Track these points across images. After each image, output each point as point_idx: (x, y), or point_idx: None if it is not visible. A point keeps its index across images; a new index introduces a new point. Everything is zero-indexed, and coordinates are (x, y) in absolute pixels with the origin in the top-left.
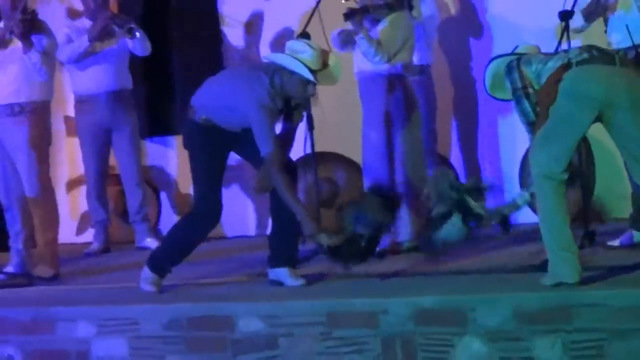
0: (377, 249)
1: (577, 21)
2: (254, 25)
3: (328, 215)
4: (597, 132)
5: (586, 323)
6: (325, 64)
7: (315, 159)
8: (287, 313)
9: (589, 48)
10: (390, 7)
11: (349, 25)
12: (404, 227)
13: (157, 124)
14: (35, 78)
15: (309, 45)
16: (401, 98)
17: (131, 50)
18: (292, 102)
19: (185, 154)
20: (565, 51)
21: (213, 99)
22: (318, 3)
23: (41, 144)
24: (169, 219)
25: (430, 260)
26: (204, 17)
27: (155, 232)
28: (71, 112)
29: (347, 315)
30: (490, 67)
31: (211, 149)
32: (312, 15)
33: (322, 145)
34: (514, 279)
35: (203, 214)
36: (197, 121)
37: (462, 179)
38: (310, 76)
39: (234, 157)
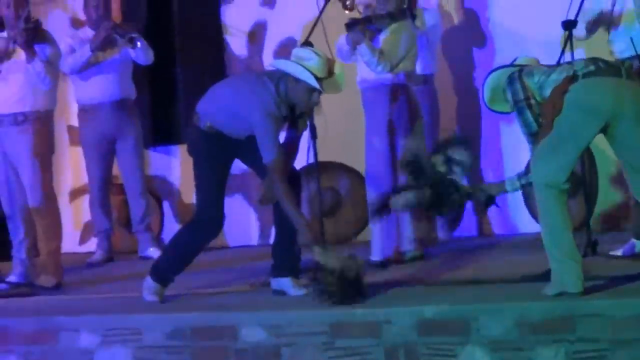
0: (381, 259)
1: (580, 31)
2: (257, 34)
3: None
4: (600, 142)
5: (589, 333)
6: (330, 72)
7: (318, 168)
8: (290, 323)
9: (595, 60)
10: (392, 17)
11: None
12: (407, 236)
13: (160, 134)
14: (38, 87)
15: (316, 52)
16: (404, 107)
17: (134, 59)
18: (296, 109)
19: (188, 163)
20: (569, 63)
21: (218, 106)
22: (321, 13)
23: (44, 153)
24: (172, 229)
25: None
26: (208, 26)
27: (158, 241)
28: (74, 121)
29: (350, 325)
30: (489, 80)
31: (215, 156)
32: (315, 24)
33: (325, 154)
34: (516, 288)
35: (205, 221)
36: (202, 128)
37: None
38: (316, 84)
39: (236, 166)
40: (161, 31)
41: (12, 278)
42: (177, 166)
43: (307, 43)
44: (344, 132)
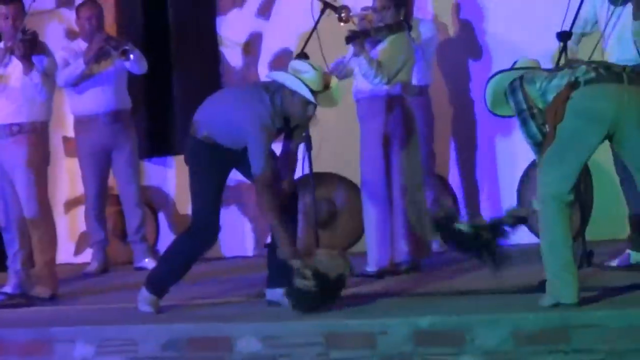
0: (376, 269)
1: (575, 42)
2: (252, 46)
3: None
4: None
5: (584, 344)
6: (326, 86)
7: (313, 179)
8: (285, 334)
9: (597, 67)
10: (390, 29)
11: (349, 49)
12: (402, 247)
13: (156, 145)
14: (35, 98)
15: (312, 65)
16: (400, 118)
17: (128, 69)
18: (291, 122)
19: (183, 174)
20: (571, 67)
21: (214, 117)
22: (316, 24)
23: (40, 164)
24: (168, 240)
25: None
26: (203, 38)
27: (153, 252)
28: (70, 132)
29: (345, 336)
30: (490, 84)
31: (211, 166)
32: (310, 36)
33: (321, 165)
34: (511, 299)
35: (200, 231)
36: (198, 138)
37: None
38: (311, 97)
39: (232, 178)
40: (157, 42)
41: (7, 289)
42: (172, 177)
43: (302, 54)
44: (339, 143)
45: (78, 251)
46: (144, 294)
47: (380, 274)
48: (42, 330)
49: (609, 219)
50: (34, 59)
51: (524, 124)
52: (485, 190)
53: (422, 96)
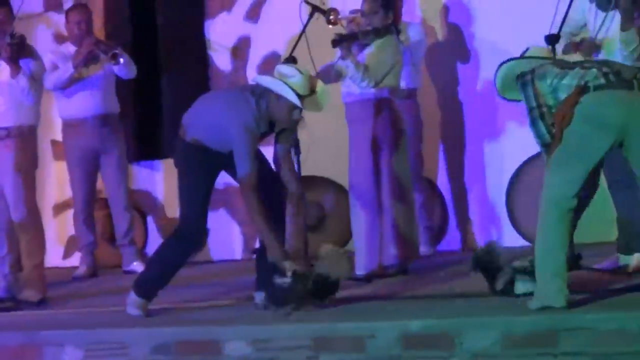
0: (365, 273)
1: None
2: (241, 49)
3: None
4: None
5: (572, 347)
6: (313, 90)
7: (302, 183)
8: (274, 337)
9: (607, 72)
10: (377, 32)
11: (337, 54)
12: (391, 250)
13: (144, 148)
14: (22, 102)
15: (298, 70)
16: (388, 121)
17: (116, 73)
18: (276, 125)
19: (172, 178)
20: (583, 67)
21: (200, 119)
22: (305, 27)
23: (28, 168)
24: (156, 243)
25: None
26: (192, 42)
27: (142, 255)
28: (58, 136)
29: (334, 339)
30: (501, 70)
31: (200, 169)
32: (298, 39)
33: (309, 169)
34: (500, 302)
35: (187, 234)
36: (187, 141)
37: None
38: (297, 101)
39: (220, 181)
40: (145, 46)
41: None
42: (161, 181)
43: (290, 58)
44: (328, 146)
45: (67, 255)
46: (133, 297)
47: (369, 278)
48: (31, 334)
49: (597, 221)
50: (22, 62)
51: (533, 123)
52: (474, 193)
53: (411, 99)
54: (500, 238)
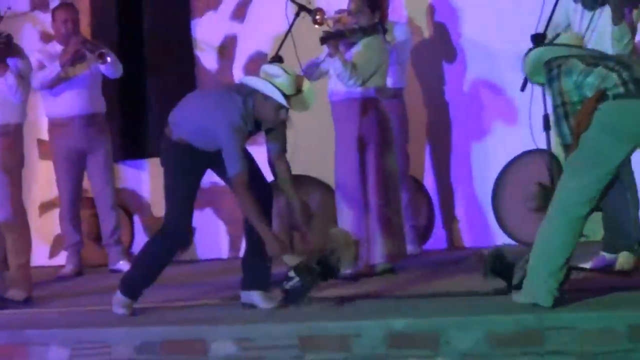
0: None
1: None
2: (227, 49)
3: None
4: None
5: (558, 346)
6: (299, 90)
7: None
8: (260, 336)
9: (626, 81)
10: (364, 31)
11: (323, 50)
12: (378, 249)
13: (130, 148)
14: (9, 101)
15: (284, 70)
16: (374, 121)
17: (103, 72)
18: (263, 125)
19: (158, 177)
20: (606, 66)
21: (187, 119)
22: (291, 27)
23: (13, 167)
24: (142, 242)
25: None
26: (178, 41)
27: (128, 255)
28: (45, 135)
29: (320, 339)
30: (530, 55)
31: (186, 167)
32: (285, 38)
33: (295, 168)
34: (486, 301)
35: (172, 233)
36: (173, 140)
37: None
38: (283, 101)
39: (206, 180)
40: (131, 45)
41: None
42: (147, 180)
43: (277, 57)
44: (314, 145)
45: (53, 254)
46: (118, 296)
47: (355, 276)
48: (16, 333)
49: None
50: (9, 61)
51: (557, 121)
52: (460, 192)
53: (397, 98)
54: (487, 237)
